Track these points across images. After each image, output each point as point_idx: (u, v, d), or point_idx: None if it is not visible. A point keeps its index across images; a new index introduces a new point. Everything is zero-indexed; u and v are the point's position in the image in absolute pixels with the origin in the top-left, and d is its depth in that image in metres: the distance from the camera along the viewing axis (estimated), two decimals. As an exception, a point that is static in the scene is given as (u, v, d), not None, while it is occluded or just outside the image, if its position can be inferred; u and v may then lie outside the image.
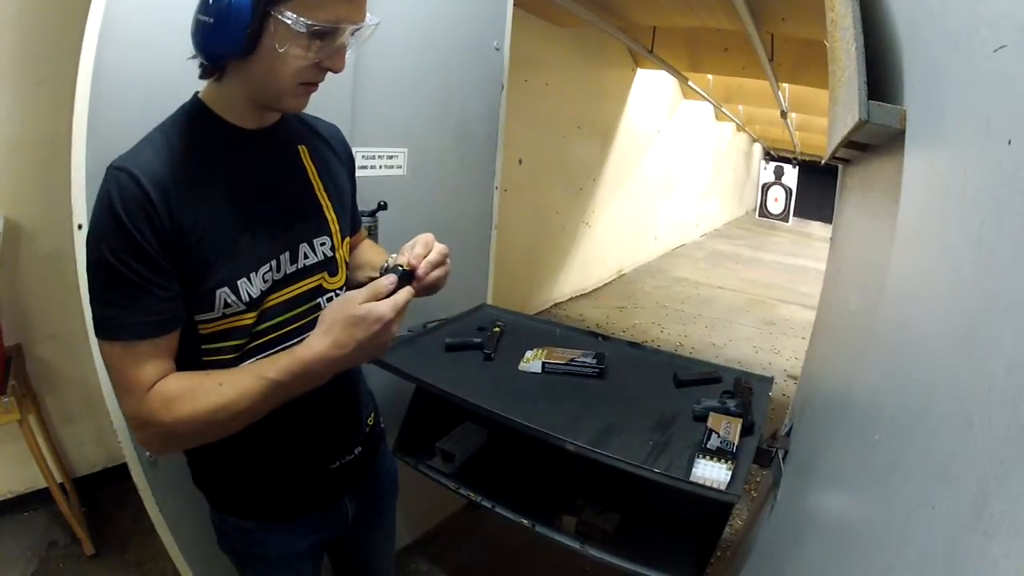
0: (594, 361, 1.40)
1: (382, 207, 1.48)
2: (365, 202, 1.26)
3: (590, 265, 5.71)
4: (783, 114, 5.57)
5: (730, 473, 0.99)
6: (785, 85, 4.83)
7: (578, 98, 4.76)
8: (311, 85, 0.75)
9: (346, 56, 0.74)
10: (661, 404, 1.27)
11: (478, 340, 1.51)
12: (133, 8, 0.99)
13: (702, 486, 0.99)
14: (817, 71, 3.57)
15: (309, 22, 0.67)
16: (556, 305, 5.12)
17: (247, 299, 0.76)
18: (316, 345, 0.71)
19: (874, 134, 0.76)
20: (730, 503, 1.01)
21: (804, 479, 0.91)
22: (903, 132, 0.66)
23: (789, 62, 3.75)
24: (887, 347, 0.62)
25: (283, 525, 0.92)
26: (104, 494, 2.12)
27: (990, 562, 0.30)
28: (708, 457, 1.02)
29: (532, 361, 1.41)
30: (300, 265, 0.83)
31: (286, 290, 0.82)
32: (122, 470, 1.18)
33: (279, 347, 0.80)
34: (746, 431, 1.13)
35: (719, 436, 1.07)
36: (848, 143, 0.81)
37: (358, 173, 1.02)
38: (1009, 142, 0.37)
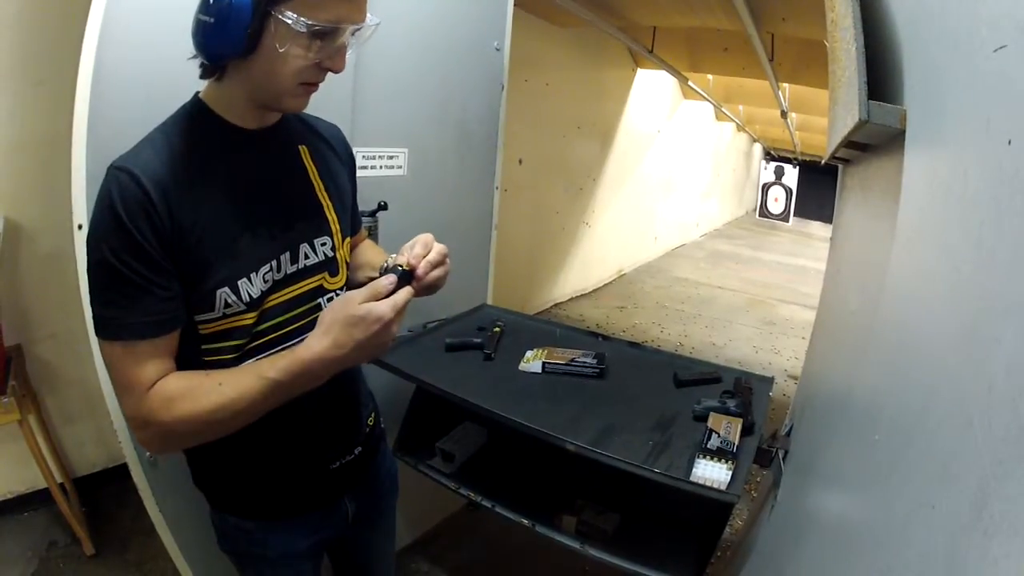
0: (594, 361, 1.40)
1: (382, 207, 1.48)
2: (365, 202, 1.26)
3: (590, 265, 5.70)
4: (783, 114, 5.57)
5: (730, 473, 0.99)
6: (785, 85, 4.83)
7: (578, 98, 4.76)
8: (311, 85, 0.75)
9: (346, 56, 0.74)
10: (661, 404, 1.27)
11: (478, 340, 1.51)
12: (133, 8, 0.99)
13: (702, 486, 0.99)
14: (817, 71, 3.57)
15: (309, 22, 0.67)
16: (556, 305, 5.12)
17: (247, 299, 0.76)
18: (315, 345, 0.71)
19: (874, 134, 0.76)
20: (730, 503, 1.01)
21: (804, 479, 0.91)
22: (903, 132, 0.66)
23: (789, 62, 3.75)
24: (887, 347, 0.62)
25: (283, 525, 0.92)
26: (104, 494, 2.12)
27: (990, 562, 0.30)
28: (708, 457, 1.02)
29: (532, 361, 1.41)
30: (301, 265, 0.83)
31: (286, 290, 0.82)
32: (122, 470, 1.18)
33: (279, 347, 0.80)
34: (746, 431, 1.13)
35: (719, 436, 1.07)
36: (848, 143, 0.81)
37: (358, 173, 1.02)
38: (1009, 142, 0.37)
